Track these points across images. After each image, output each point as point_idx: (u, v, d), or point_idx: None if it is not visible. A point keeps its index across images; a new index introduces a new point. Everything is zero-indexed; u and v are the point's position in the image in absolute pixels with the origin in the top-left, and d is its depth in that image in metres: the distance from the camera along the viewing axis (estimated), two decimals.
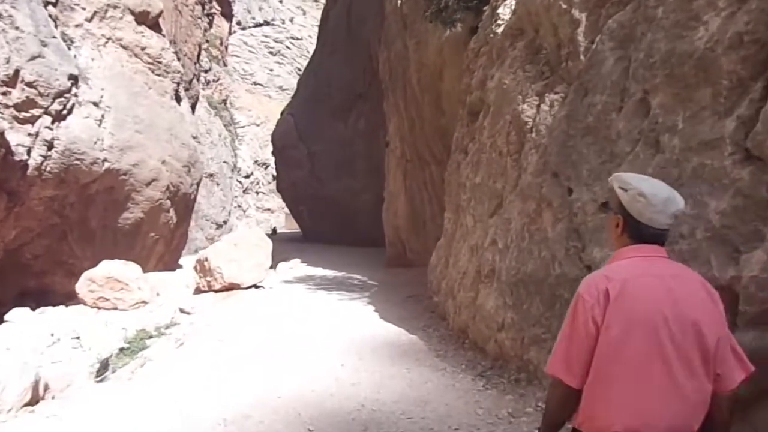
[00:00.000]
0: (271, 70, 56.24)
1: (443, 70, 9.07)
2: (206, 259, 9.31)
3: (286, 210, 37.21)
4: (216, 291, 9.34)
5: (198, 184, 19.00)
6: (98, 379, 5.09)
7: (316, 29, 32.62)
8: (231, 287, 9.44)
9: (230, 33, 53.75)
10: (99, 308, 8.23)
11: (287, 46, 57.79)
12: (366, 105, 23.10)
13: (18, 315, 9.02)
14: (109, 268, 8.52)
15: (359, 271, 13.40)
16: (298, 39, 57.18)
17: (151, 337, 6.50)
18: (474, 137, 5.80)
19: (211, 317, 7.46)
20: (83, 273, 8.40)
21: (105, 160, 13.38)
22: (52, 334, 6.45)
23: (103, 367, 5.34)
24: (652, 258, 1.70)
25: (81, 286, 8.41)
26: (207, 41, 44.82)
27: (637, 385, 1.59)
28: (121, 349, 5.97)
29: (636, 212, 1.71)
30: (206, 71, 44.23)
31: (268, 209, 48.45)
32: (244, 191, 46.80)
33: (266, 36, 56.60)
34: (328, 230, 25.90)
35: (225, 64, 50.94)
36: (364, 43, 21.05)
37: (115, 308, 8.28)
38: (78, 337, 6.39)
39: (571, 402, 1.71)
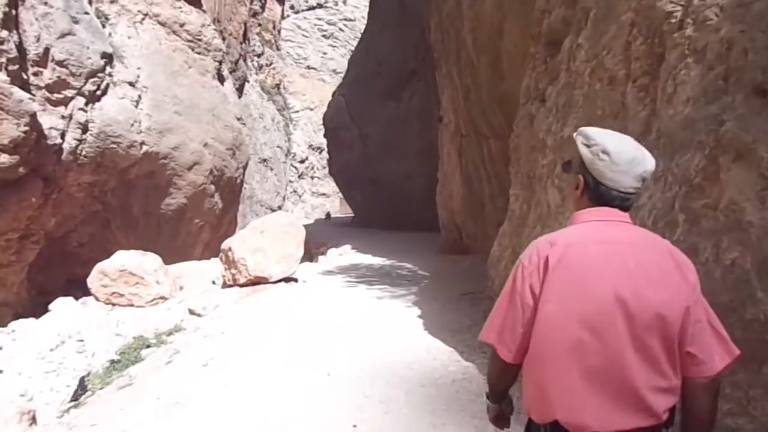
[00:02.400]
0: (325, 53, 55.87)
1: (503, 25, 7.67)
2: (230, 249, 8.22)
3: (341, 194, 36.57)
4: (241, 285, 8.24)
5: (245, 168, 18.36)
6: (70, 405, 4.24)
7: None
8: (257, 281, 8.34)
9: (283, 17, 53.58)
10: (113, 305, 7.45)
11: (340, 29, 57.17)
12: (419, 82, 21.84)
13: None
14: (123, 259, 7.62)
15: (410, 259, 12.21)
16: (351, 20, 56.37)
17: (149, 346, 5.62)
18: (557, 75, 4.04)
19: (219, 323, 6.28)
20: (96, 265, 7.60)
21: (143, 143, 12.79)
22: (59, 334, 5.73)
23: (81, 388, 4.49)
24: (610, 222, 1.48)
25: (93, 280, 7.60)
26: (259, 25, 44.69)
27: (572, 373, 1.37)
28: (112, 362, 5.12)
29: (597, 172, 1.50)
30: (259, 55, 44.16)
31: (323, 194, 48.23)
32: (299, 176, 46.74)
33: (319, 19, 56.15)
34: (380, 214, 24.95)
35: (278, 48, 50.82)
36: (416, 17, 19.70)
37: (131, 305, 7.46)
38: (82, 340, 5.63)
39: (508, 374, 1.60)
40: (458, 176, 12.23)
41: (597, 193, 1.51)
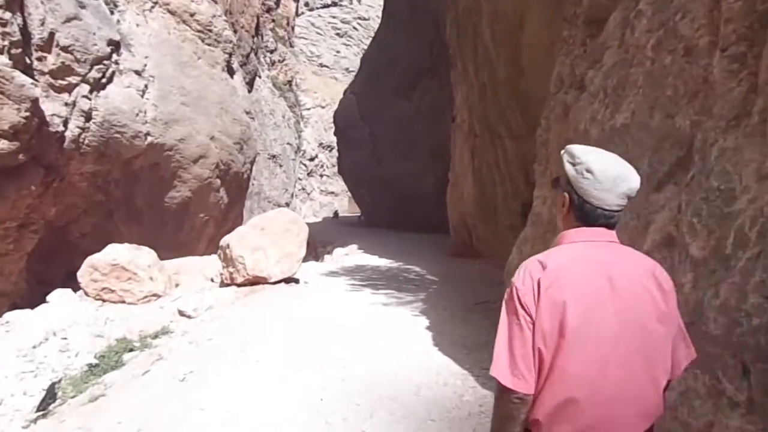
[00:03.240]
0: (338, 51, 55.79)
1: (524, 16, 7.26)
2: (228, 247, 7.78)
3: (349, 193, 36.31)
4: (238, 285, 7.79)
5: (252, 163, 18.05)
6: (37, 414, 3.87)
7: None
8: (255, 281, 7.85)
9: (297, 14, 53.46)
10: (103, 301, 7.06)
11: (354, 27, 57.07)
12: (432, 81, 21.46)
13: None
14: (115, 253, 7.20)
15: (418, 262, 11.82)
16: (365, 19, 56.25)
17: (131, 349, 5.22)
18: (600, 57, 3.45)
19: (209, 327, 5.80)
20: (87, 258, 7.20)
21: (148, 134, 12.48)
22: (45, 330, 5.38)
23: (50, 396, 4.10)
24: (597, 243, 1.50)
25: (83, 274, 7.13)
26: (273, 20, 44.58)
27: (566, 387, 1.41)
28: (91, 366, 4.74)
29: (582, 190, 1.51)
30: (272, 51, 43.98)
31: (332, 192, 48.05)
32: (308, 174, 46.58)
33: (333, 17, 56.08)
34: (388, 214, 24.62)
35: (291, 45, 50.70)
36: (431, 14, 19.32)
37: (122, 301, 7.04)
38: (66, 338, 5.27)
39: (521, 413, 1.45)
40: (470, 177, 11.83)
41: (582, 211, 1.52)
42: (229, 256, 7.61)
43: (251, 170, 18.02)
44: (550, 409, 1.42)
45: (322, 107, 51.06)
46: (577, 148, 1.56)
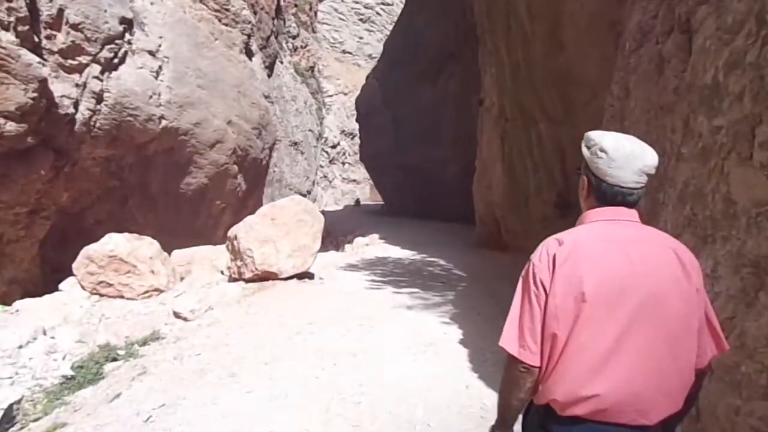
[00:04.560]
0: (361, 38, 55.19)
1: None
2: (236, 238, 7.17)
3: (371, 181, 35.77)
4: (246, 281, 7.16)
5: (271, 149, 17.53)
6: None
7: None
8: (265, 276, 7.18)
9: None
10: (101, 295, 6.53)
11: (377, 12, 56.34)
12: (458, 65, 20.66)
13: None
14: (113, 243, 6.59)
15: (442, 254, 11.13)
16: (388, 4, 55.45)
17: (114, 359, 4.45)
18: None
19: (204, 334, 5.10)
20: (83, 249, 6.65)
21: (162, 117, 12.00)
22: (35, 328, 4.89)
23: (7, 420, 3.51)
24: (617, 222, 1.52)
25: (78, 267, 6.55)
26: (296, 5, 44.00)
27: (575, 363, 1.42)
28: (65, 379, 4.17)
29: (598, 170, 1.55)
30: (294, 37, 43.43)
31: (354, 180, 47.65)
32: (330, 161, 46.23)
33: (356, 2, 55.40)
34: (411, 203, 23.95)
35: (314, 31, 50.16)
36: None
37: (121, 296, 6.48)
38: (54, 338, 4.76)
39: (527, 383, 1.50)
40: (500, 165, 11.09)
41: (600, 191, 1.55)
42: (236, 248, 7.02)
43: (270, 156, 17.50)
44: (569, 385, 1.42)
45: (345, 94, 50.61)
46: (593, 133, 1.59)
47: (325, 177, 46.26)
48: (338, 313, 6.14)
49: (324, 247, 19.38)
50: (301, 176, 37.06)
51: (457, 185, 18.97)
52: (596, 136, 1.57)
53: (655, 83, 2.93)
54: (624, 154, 1.50)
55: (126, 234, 6.98)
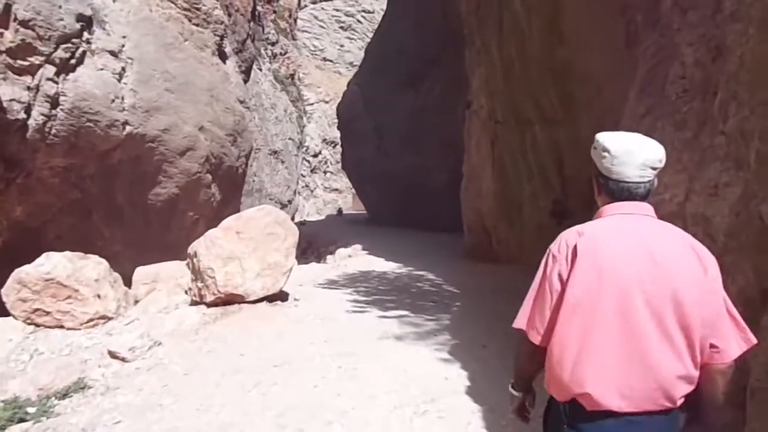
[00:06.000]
0: (342, 45, 54.77)
1: None
2: (195, 255, 6.18)
3: (354, 190, 35.05)
4: (208, 305, 6.14)
5: (248, 157, 16.68)
6: None
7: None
8: (229, 300, 6.17)
9: (300, 6, 52.32)
10: (36, 325, 5.58)
11: (358, 20, 56.02)
12: (441, 71, 20.14)
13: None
14: (49, 264, 5.48)
15: (430, 267, 10.35)
16: (369, 12, 55.07)
17: (22, 420, 3.52)
18: None
19: (137, 384, 4.14)
20: (14, 272, 5.66)
21: (126, 122, 11.11)
22: None
23: None
24: (633, 215, 1.60)
25: (8, 292, 5.38)
26: (274, 12, 43.32)
27: (594, 351, 1.48)
28: None
29: (605, 169, 1.65)
30: (273, 44, 42.70)
31: (336, 189, 46.94)
32: (312, 170, 45.49)
33: (337, 10, 54.99)
34: (395, 212, 23.25)
35: (294, 38, 49.54)
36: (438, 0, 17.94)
37: (60, 326, 5.52)
38: None
39: (537, 357, 1.66)
40: (490, 170, 10.39)
41: (608, 188, 1.64)
42: (197, 267, 6.09)
43: (246, 164, 16.64)
44: (594, 377, 1.46)
45: (326, 102, 50.04)
46: (600, 135, 1.67)
47: (307, 186, 45.51)
48: (313, 349, 5.14)
49: (305, 259, 18.65)
50: (281, 186, 36.17)
51: (442, 193, 18.35)
52: (600, 137, 1.66)
53: None
54: (624, 151, 1.58)
55: (67, 253, 6.03)
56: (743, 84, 2.42)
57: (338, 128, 31.00)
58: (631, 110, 3.65)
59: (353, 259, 13.41)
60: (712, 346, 1.48)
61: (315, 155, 47.69)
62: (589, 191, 1.80)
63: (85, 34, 10.32)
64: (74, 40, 10.03)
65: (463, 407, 3.81)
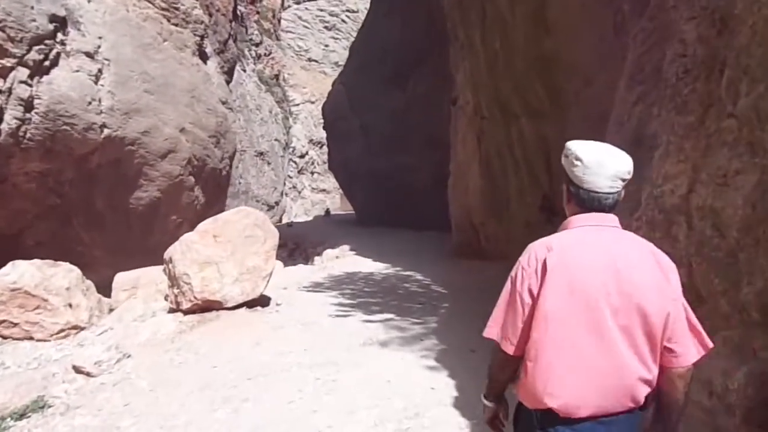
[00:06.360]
0: (327, 45, 54.53)
1: None
2: (170, 261, 5.99)
3: (341, 190, 34.84)
4: (185, 312, 5.83)
5: (231, 158, 16.40)
6: None
7: None
8: (207, 307, 5.88)
9: (283, 6, 52.00)
10: (4, 337, 5.30)
11: (343, 20, 55.82)
12: (426, 69, 19.97)
13: None
14: (16, 273, 5.23)
15: (418, 266, 10.18)
16: (354, 12, 54.84)
17: None
18: None
19: (99, 402, 3.85)
20: None
21: (104, 125, 10.84)
22: None
23: None
24: (598, 227, 1.65)
25: None
26: (258, 12, 42.95)
27: (567, 360, 1.55)
28: None
29: (576, 178, 1.67)
30: (257, 44, 42.40)
31: (323, 190, 46.68)
32: (299, 171, 45.20)
33: (321, 10, 54.73)
34: (383, 212, 23.05)
35: (278, 39, 49.23)
36: None
37: (30, 338, 5.29)
38: None
39: (510, 366, 1.71)
40: (476, 167, 10.25)
41: (579, 197, 1.66)
42: (172, 273, 5.87)
43: (231, 166, 16.37)
44: (569, 390, 1.52)
45: (312, 102, 49.80)
46: (571, 143, 1.70)
47: (294, 188, 45.25)
48: (291, 359, 4.81)
49: (293, 260, 18.43)
50: (268, 187, 35.89)
51: (430, 191, 18.20)
52: (572, 145, 1.69)
53: None
54: (596, 162, 1.61)
55: (36, 261, 5.77)
56: (756, 57, 2.21)
57: (324, 128, 30.77)
58: (621, 99, 3.48)
59: (340, 260, 13.22)
60: (671, 351, 1.56)
61: (302, 156, 47.45)
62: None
63: (60, 35, 10.04)
64: (48, 42, 9.75)
65: (450, 421, 3.53)
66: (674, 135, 2.65)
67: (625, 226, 3.10)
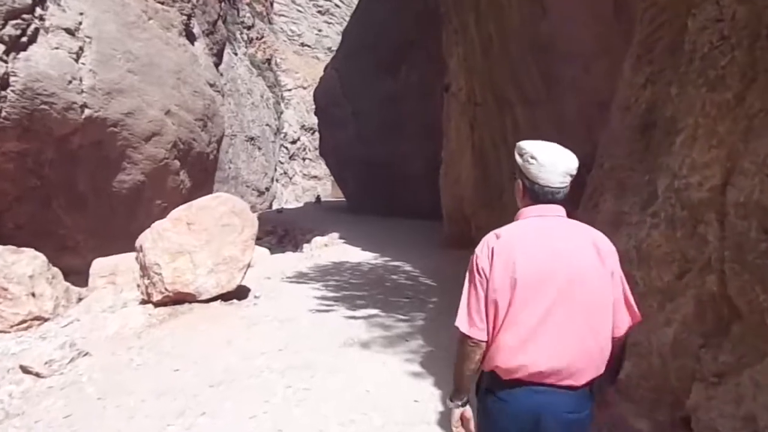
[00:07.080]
0: (320, 30, 53.86)
1: None
2: (141, 249, 5.66)
3: (333, 177, 34.49)
4: (156, 304, 5.51)
5: (219, 142, 16.04)
6: None
7: None
8: (179, 299, 5.55)
9: None
10: None
11: (336, 5, 55.14)
12: (419, 55, 19.64)
13: None
14: None
15: (407, 256, 9.97)
16: None
17: None
18: None
19: (39, 412, 3.51)
20: None
21: (85, 105, 10.47)
22: None
23: None
24: (546, 217, 1.80)
25: None
26: None
27: (511, 335, 1.69)
28: None
29: (531, 174, 1.81)
30: (249, 28, 41.71)
31: (315, 176, 46.27)
32: (290, 157, 44.74)
33: None
34: (374, 199, 22.83)
35: (270, 22, 48.50)
36: None
37: None
38: None
39: (476, 356, 1.78)
40: (469, 155, 10.01)
41: (534, 192, 1.81)
42: (143, 263, 5.57)
43: (218, 150, 16.01)
44: (506, 355, 1.69)
45: (304, 88, 49.19)
46: (524, 143, 1.86)
47: (285, 173, 44.80)
48: (262, 362, 4.40)
49: (282, 247, 18.16)
50: (259, 173, 35.48)
51: (422, 180, 17.97)
52: (526, 145, 1.84)
53: None
54: (550, 161, 1.77)
55: None
56: None
57: (315, 114, 30.34)
58: (627, 82, 3.20)
59: (329, 248, 12.99)
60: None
61: (293, 142, 46.94)
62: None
63: (38, 10, 9.65)
64: (25, 16, 9.35)
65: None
66: (704, 116, 2.23)
67: (637, 222, 2.77)
